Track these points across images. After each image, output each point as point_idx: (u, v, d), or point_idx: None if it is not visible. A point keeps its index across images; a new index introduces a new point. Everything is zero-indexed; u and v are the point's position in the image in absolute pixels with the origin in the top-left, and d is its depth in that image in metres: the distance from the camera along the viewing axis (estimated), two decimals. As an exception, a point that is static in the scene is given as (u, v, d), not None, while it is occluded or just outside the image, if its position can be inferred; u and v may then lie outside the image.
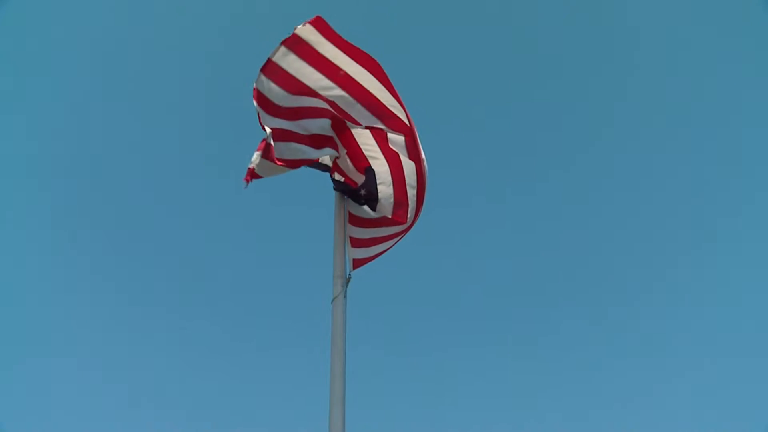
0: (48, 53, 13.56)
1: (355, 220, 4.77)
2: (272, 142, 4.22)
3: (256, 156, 4.53)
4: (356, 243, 4.77)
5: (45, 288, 12.92)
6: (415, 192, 4.63)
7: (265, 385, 12.60)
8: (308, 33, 4.42)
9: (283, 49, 4.38)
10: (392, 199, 4.59)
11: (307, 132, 4.55)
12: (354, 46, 4.51)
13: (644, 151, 14.93)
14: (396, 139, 4.63)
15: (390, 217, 4.62)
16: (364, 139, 4.71)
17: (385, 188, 4.59)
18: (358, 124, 4.61)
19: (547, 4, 15.44)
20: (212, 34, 15.19)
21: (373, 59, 4.52)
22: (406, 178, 4.62)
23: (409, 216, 4.62)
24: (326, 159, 4.86)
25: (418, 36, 16.32)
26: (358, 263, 4.78)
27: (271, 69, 4.37)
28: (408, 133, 4.58)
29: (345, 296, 4.29)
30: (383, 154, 4.67)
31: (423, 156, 4.61)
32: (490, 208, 15.45)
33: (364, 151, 4.69)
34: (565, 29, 15.53)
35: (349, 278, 4.40)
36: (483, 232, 15.23)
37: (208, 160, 15.09)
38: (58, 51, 13.66)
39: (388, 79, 4.55)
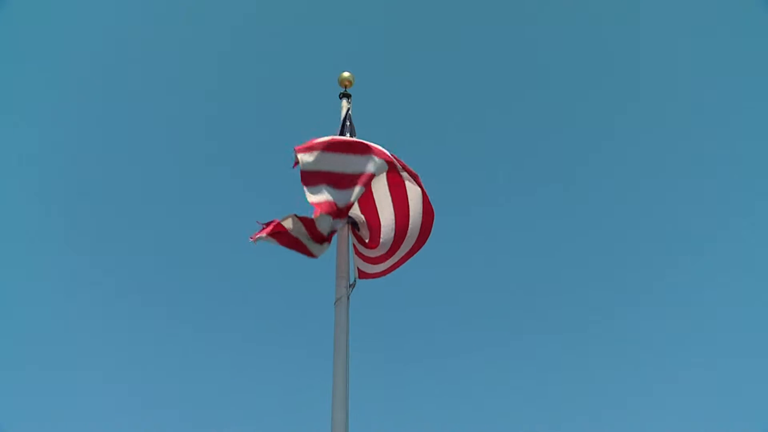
0: (48, 53, 13.61)
1: (354, 233, 4.86)
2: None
3: (264, 236, 4.32)
4: (357, 253, 4.88)
5: (44, 289, 12.96)
6: (392, 211, 4.68)
7: (268, 386, 12.65)
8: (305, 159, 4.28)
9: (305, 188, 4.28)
10: (366, 224, 4.76)
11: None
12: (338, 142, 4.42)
13: (645, 153, 14.99)
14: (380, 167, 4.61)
15: (367, 241, 4.78)
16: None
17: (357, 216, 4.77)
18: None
19: (550, 7, 15.49)
20: (212, 34, 15.23)
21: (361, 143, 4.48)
22: (377, 202, 4.72)
23: (383, 238, 4.68)
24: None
25: (418, 36, 16.37)
26: (363, 275, 4.90)
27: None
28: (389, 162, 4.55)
29: (348, 298, 4.32)
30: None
31: (407, 183, 4.65)
32: (491, 210, 15.52)
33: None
34: (566, 32, 15.57)
35: (354, 284, 4.44)
36: (486, 235, 15.31)
37: (210, 161, 15.14)
38: (58, 51, 13.70)
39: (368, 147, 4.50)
